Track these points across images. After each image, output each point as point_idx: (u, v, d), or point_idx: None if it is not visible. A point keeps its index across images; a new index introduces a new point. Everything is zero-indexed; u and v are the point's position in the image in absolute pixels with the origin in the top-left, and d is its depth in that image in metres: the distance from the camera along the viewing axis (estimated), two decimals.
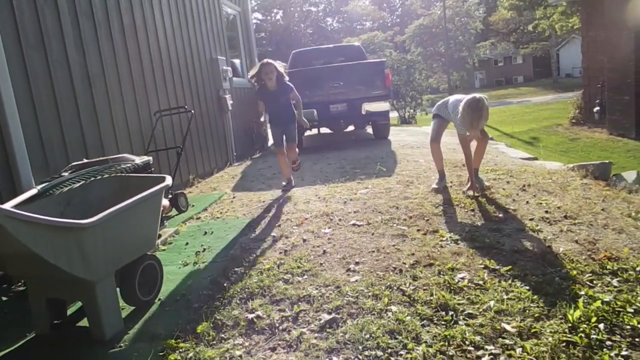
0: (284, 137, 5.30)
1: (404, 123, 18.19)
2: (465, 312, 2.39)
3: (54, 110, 4.13)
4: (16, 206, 2.60)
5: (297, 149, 5.48)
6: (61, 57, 4.29)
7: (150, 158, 4.11)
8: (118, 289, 2.75)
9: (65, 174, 3.35)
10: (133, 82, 5.44)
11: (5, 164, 3.58)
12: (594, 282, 2.63)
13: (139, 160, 3.91)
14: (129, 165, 3.72)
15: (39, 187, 2.88)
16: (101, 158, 3.89)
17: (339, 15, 69.83)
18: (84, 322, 2.71)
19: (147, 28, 5.87)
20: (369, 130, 10.38)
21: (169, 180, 3.10)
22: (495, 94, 40.12)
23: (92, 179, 3.19)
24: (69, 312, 2.91)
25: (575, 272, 2.71)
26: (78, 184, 3.08)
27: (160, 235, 4.14)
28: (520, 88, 43.40)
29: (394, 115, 17.28)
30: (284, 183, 5.50)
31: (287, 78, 5.22)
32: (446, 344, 2.14)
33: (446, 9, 39.25)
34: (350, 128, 10.55)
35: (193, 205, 5.31)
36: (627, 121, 10.83)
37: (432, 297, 2.55)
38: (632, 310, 2.31)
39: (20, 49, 3.80)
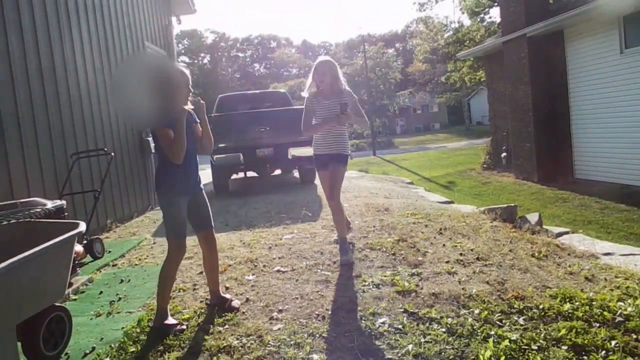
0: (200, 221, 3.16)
1: None
2: (385, 357, 2.41)
3: None
4: None
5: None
6: None
7: (64, 202, 3.88)
8: (19, 343, 2.50)
9: None
10: (49, 123, 5.17)
11: None
12: (503, 321, 2.77)
13: (50, 204, 3.68)
14: (38, 210, 3.49)
15: None
16: (9, 202, 3.62)
17: (266, 62, 71.35)
18: None
19: (67, 69, 5.64)
20: (296, 174, 10.48)
21: (82, 227, 2.92)
22: (415, 140, 42.31)
23: None
24: None
25: (486, 312, 2.84)
26: None
27: (71, 284, 3.86)
28: (437, 134, 46.14)
29: None
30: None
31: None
32: None
33: (367, 59, 41.41)
34: (277, 172, 10.59)
35: (109, 251, 5.02)
36: (529, 166, 11.81)
37: (353, 344, 2.55)
38: (536, 348, 2.44)
39: None
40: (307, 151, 8.32)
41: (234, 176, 10.03)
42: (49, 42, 5.31)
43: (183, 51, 56.83)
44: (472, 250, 4.09)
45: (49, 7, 5.37)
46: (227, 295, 3.26)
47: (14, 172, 4.48)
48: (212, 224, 3.21)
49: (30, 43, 4.95)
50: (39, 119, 4.98)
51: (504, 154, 13.82)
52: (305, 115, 4.12)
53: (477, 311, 2.88)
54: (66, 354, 2.75)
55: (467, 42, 32.15)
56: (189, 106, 3.01)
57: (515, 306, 2.94)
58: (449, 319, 2.78)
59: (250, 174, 10.53)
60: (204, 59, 64.74)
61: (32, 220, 3.23)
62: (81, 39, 6.06)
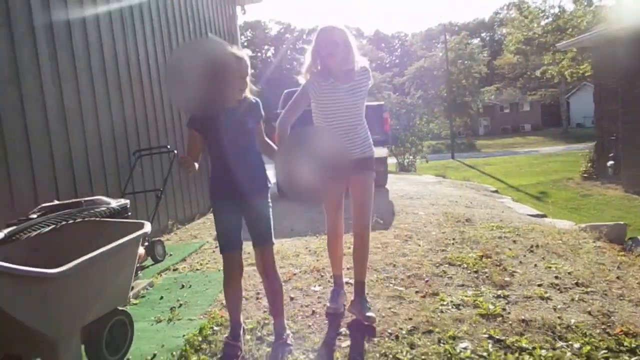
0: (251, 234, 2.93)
1: (402, 171, 18.41)
2: None
3: (25, 146, 4.18)
4: None
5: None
6: (36, 91, 4.36)
7: (128, 201, 4.11)
8: (83, 346, 2.71)
9: (34, 215, 3.34)
10: (112, 118, 5.53)
11: None
12: None
13: (115, 203, 3.91)
14: (104, 208, 3.72)
15: (5, 230, 2.87)
16: (74, 200, 3.88)
17: None
18: None
19: (129, 63, 6.01)
20: None
21: (148, 227, 3.11)
22: (501, 143, 40.87)
23: (64, 223, 3.18)
24: None
25: (588, 347, 2.72)
26: (48, 228, 3.07)
27: (132, 288, 4.10)
28: (527, 137, 44.31)
29: (392, 161, 17.52)
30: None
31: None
32: None
33: (448, 51, 40.59)
34: None
35: (170, 255, 5.29)
36: None
37: None
38: None
39: None
40: (379, 152, 8.35)
41: None
42: (112, 35, 5.68)
43: (246, 43, 58.72)
44: (569, 273, 3.94)
45: None
46: (286, 332, 2.95)
47: (77, 170, 4.84)
48: (267, 239, 2.87)
49: (93, 37, 5.31)
50: (101, 113, 5.33)
51: (610, 162, 13.02)
52: (293, 102, 3.34)
53: (577, 345, 2.77)
54: (127, 359, 2.94)
55: (570, 30, 30.78)
56: (249, 97, 2.94)
57: (626, 343, 2.78)
58: (543, 351, 2.70)
59: None
60: (268, 51, 66.40)
61: (99, 219, 3.46)
62: (144, 32, 6.45)
